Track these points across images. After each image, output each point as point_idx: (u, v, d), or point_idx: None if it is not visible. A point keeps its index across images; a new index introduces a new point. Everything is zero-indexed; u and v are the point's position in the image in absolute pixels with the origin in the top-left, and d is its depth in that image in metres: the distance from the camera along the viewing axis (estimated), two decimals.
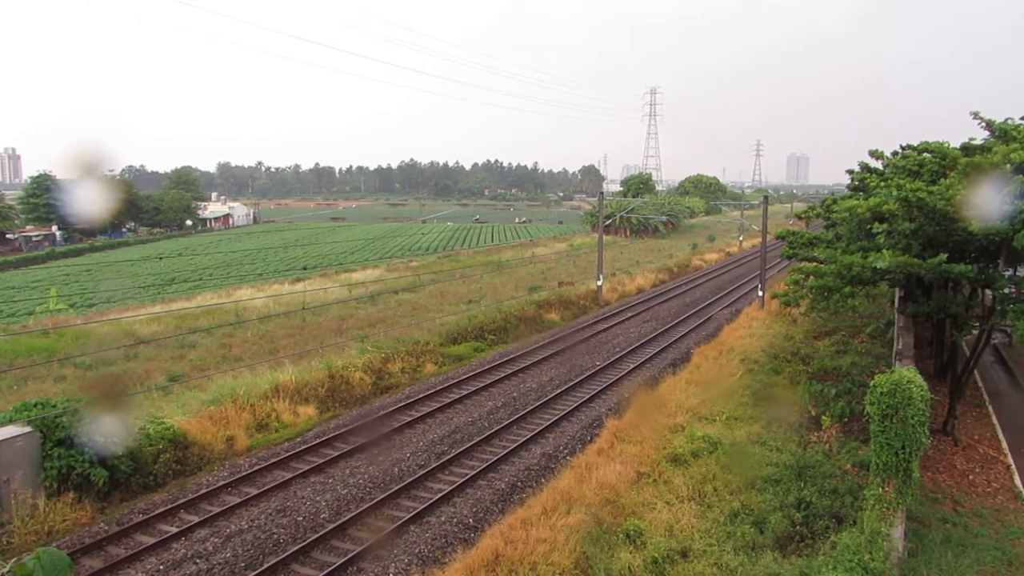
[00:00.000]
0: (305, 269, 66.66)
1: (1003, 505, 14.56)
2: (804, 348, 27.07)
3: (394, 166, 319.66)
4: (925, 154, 19.50)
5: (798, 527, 13.13)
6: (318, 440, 19.90)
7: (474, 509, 16.14)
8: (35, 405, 16.40)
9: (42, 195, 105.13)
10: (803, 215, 26.45)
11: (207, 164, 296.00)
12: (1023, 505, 14.57)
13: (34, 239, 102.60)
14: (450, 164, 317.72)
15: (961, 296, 18.88)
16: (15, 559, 3.08)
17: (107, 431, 16.38)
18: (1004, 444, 17.75)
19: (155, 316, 37.98)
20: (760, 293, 37.65)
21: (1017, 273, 16.82)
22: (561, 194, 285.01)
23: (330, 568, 13.44)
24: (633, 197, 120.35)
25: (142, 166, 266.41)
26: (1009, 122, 16.92)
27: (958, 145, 18.32)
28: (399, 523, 15.21)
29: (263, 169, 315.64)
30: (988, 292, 17.69)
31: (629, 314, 40.53)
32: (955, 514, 14.00)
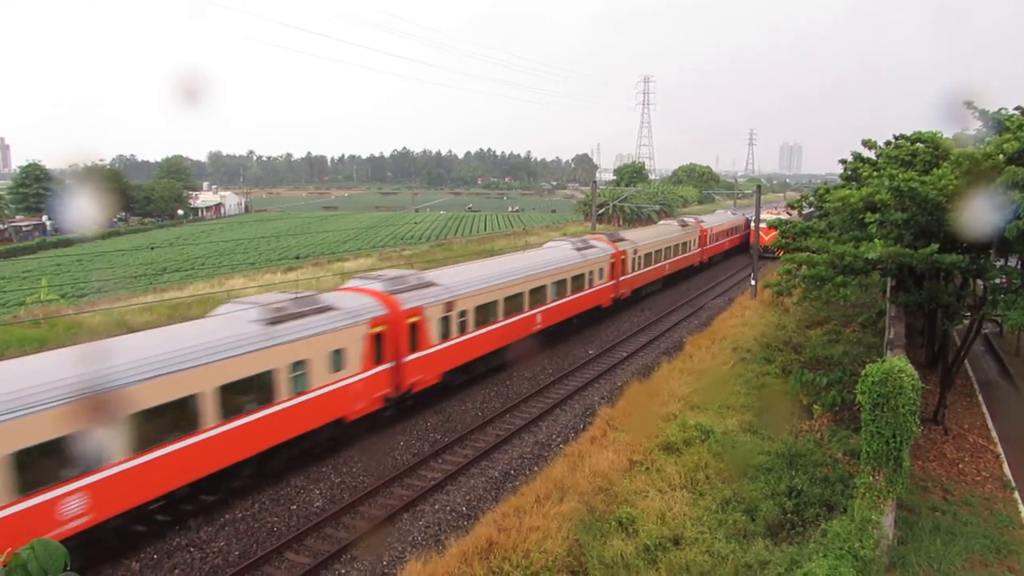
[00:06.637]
0: (297, 258, 66.16)
1: (992, 494, 14.70)
2: (796, 337, 27.18)
3: (386, 155, 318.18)
4: (918, 144, 19.53)
5: (789, 515, 13.25)
6: None
7: (467, 497, 16.23)
8: None
9: (32, 185, 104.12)
10: (795, 205, 26.51)
11: (198, 153, 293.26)
12: (1012, 494, 14.72)
13: (24, 229, 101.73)
14: (443, 153, 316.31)
15: (952, 286, 18.98)
16: (8, 549, 3.05)
17: None
18: (994, 433, 17.90)
19: (147, 306, 37.65)
20: (752, 282, 37.71)
21: (1008, 263, 16.92)
22: (554, 183, 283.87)
23: None
24: (626, 186, 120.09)
25: (132, 155, 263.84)
26: (1003, 112, 16.95)
27: (951, 135, 18.36)
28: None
29: (255, 158, 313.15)
30: (979, 282, 17.79)
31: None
32: (945, 502, 14.13)
